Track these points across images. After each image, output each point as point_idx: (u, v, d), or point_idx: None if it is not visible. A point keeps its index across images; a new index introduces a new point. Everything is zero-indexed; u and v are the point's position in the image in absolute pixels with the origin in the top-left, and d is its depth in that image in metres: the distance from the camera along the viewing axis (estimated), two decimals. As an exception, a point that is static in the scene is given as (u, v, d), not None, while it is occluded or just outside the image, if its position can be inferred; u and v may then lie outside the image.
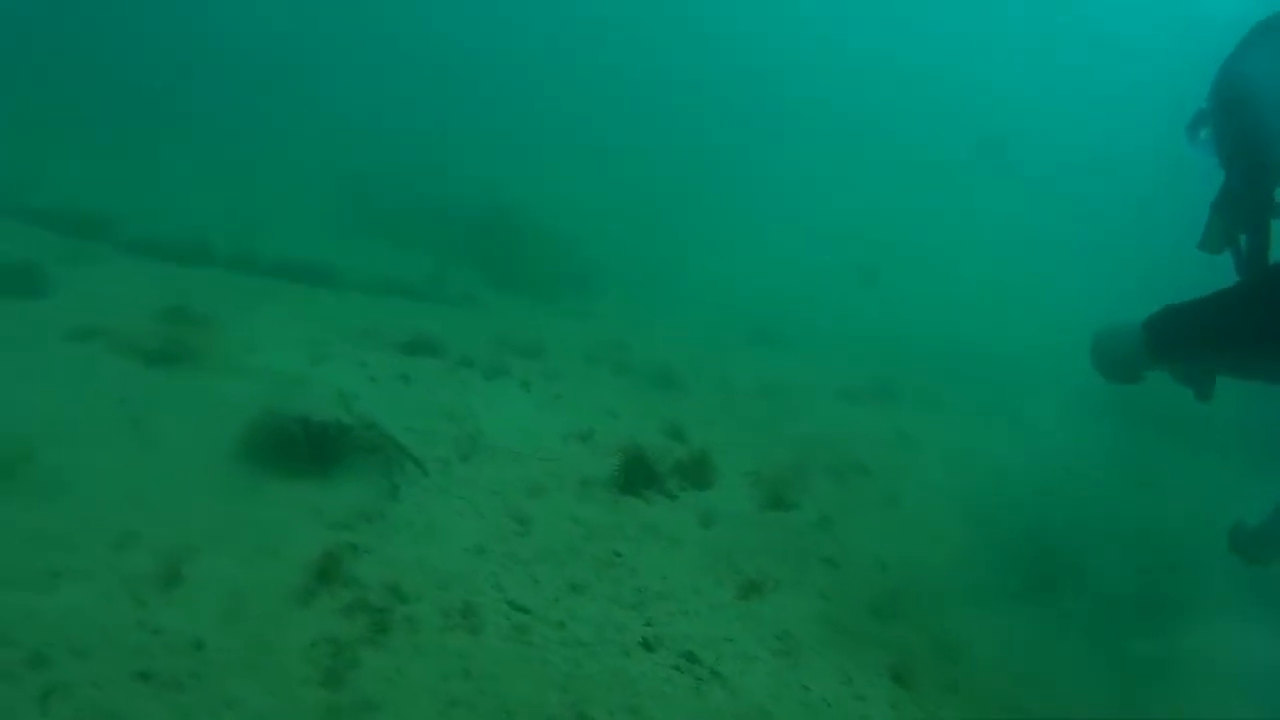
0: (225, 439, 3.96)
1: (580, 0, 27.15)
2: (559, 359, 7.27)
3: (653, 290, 11.30)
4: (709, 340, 9.51)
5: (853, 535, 4.97)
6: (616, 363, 7.66)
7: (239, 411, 4.18)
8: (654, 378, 7.51)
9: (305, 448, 3.89)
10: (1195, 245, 3.76)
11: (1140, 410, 8.17)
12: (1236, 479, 7.49)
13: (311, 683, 2.61)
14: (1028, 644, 4.27)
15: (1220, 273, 3.56)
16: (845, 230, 14.75)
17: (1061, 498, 6.55)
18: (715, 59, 27.63)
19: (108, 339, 4.71)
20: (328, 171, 12.94)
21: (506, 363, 6.63)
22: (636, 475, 4.90)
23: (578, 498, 4.63)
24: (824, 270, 12.68)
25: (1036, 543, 5.18)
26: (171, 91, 14.63)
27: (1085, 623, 4.72)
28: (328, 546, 3.32)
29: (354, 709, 2.55)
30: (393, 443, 4.21)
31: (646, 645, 3.39)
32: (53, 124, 11.75)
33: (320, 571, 3.13)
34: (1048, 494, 6.50)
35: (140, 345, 4.68)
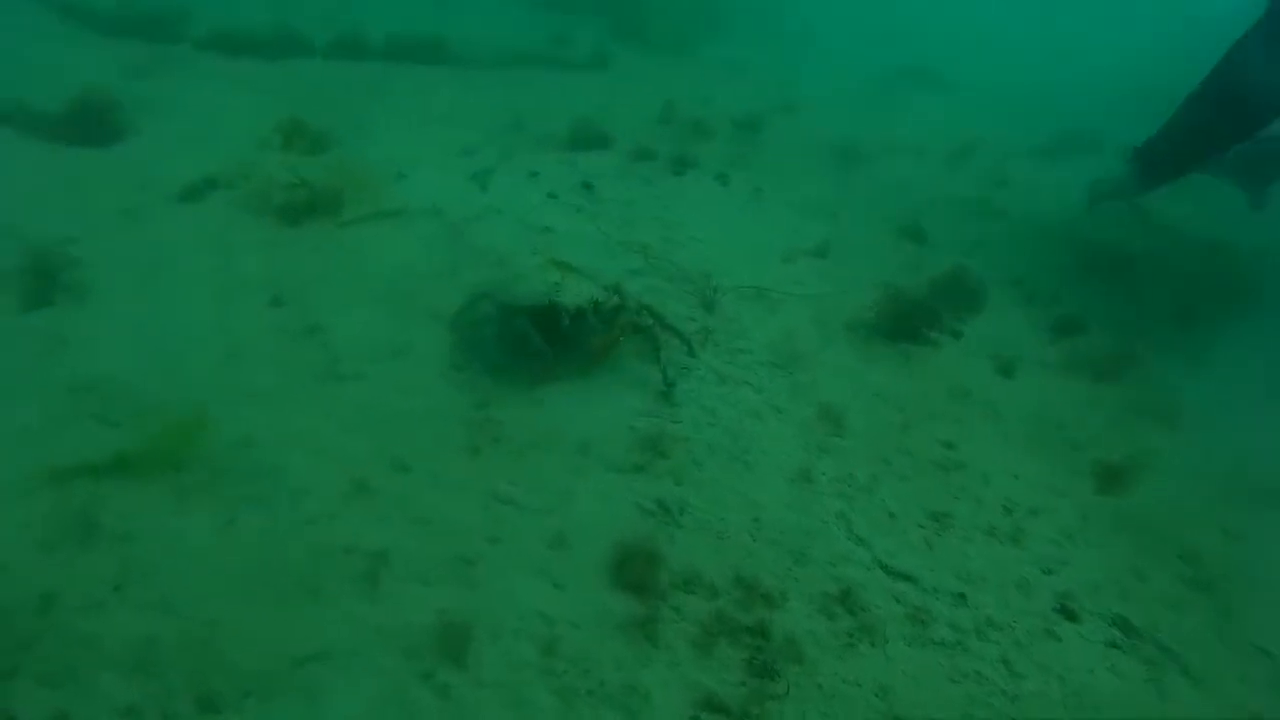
0: (435, 349, 2.91)
1: None
2: (731, 137, 5.94)
3: (795, 29, 9.41)
4: (872, 88, 7.99)
5: (1169, 373, 3.84)
6: (792, 132, 6.32)
7: (434, 296, 3.13)
8: (837, 150, 6.16)
9: (559, 340, 2.82)
10: None
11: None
12: None
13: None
14: None
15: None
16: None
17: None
18: None
19: (228, 193, 3.56)
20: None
21: (686, 150, 5.35)
22: (909, 316, 3.81)
23: (859, 354, 3.60)
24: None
25: None
26: None
27: None
28: (633, 520, 2.38)
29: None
30: (651, 314, 3.11)
31: (1066, 612, 2.49)
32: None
33: (637, 582, 2.18)
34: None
35: (269, 197, 3.52)
